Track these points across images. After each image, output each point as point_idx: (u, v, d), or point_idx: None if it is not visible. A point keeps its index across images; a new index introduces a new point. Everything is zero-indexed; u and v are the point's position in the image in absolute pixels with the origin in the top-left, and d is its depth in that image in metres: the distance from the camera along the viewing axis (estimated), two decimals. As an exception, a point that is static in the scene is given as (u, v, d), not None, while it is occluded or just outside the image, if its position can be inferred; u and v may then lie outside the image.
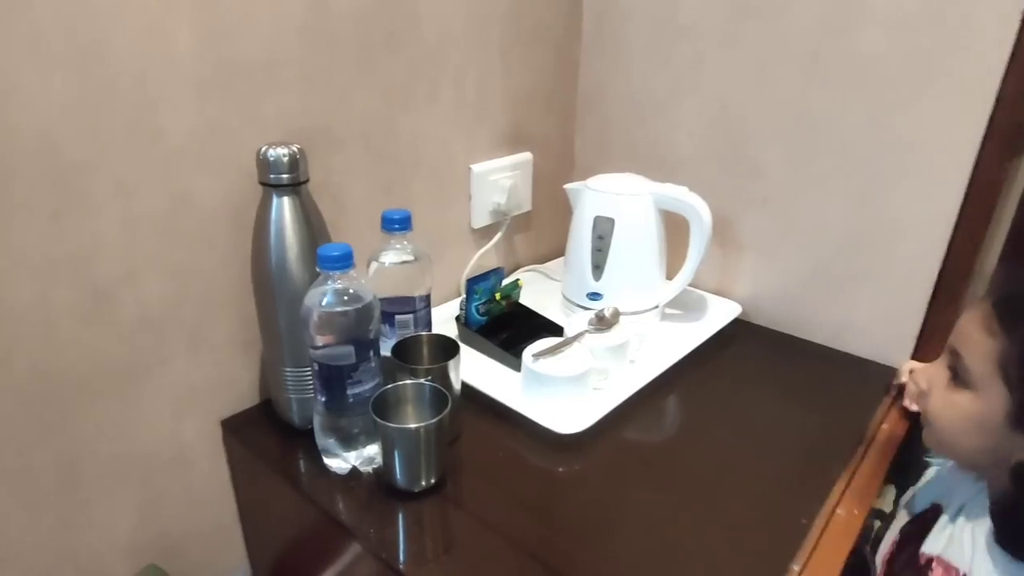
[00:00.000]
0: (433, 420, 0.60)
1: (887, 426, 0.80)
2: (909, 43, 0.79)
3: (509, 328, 0.91)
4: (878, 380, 0.87)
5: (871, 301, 0.91)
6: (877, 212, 0.87)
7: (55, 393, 0.62)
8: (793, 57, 0.88)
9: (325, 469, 0.68)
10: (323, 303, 0.60)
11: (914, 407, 0.78)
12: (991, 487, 0.59)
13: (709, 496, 0.67)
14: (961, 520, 0.60)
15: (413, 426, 0.61)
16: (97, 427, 0.65)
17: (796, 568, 0.58)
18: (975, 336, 0.55)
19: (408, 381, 0.66)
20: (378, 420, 0.60)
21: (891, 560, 0.67)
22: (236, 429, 0.75)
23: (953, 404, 0.57)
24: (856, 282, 0.91)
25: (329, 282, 0.61)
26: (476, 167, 0.97)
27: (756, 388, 0.87)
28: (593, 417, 0.73)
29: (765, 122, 0.93)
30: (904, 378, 0.83)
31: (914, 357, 0.89)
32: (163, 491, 0.72)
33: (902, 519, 0.70)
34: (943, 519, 0.63)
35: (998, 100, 0.75)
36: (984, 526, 0.57)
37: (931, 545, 0.61)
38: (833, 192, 0.89)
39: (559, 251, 1.07)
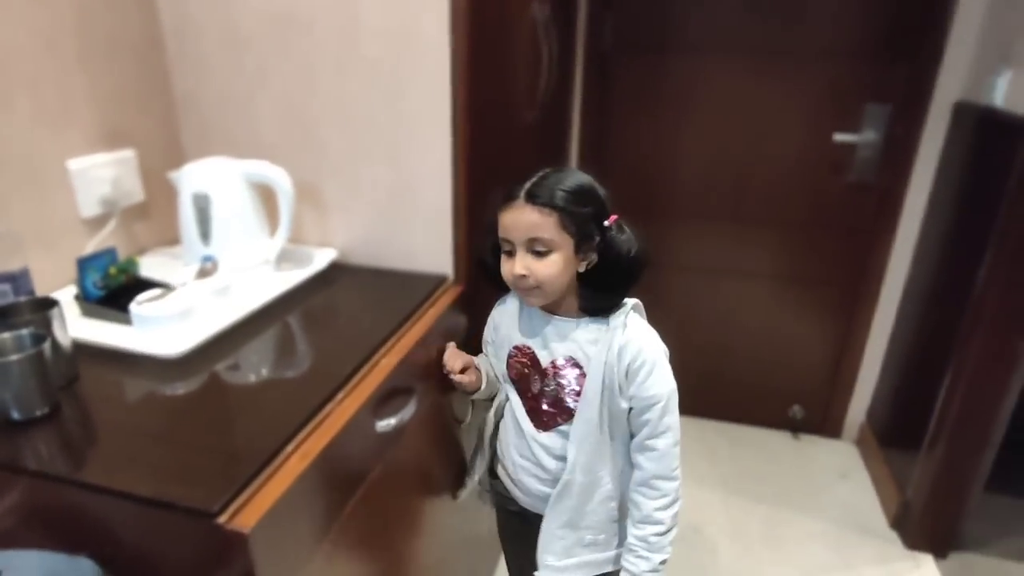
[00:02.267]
0: (31, 351, 0.75)
1: (433, 310, 1.16)
2: (396, 49, 1.14)
3: (130, 296, 1.06)
4: (431, 283, 1.23)
5: (421, 232, 1.27)
6: (408, 170, 1.23)
7: None
8: (328, 61, 1.18)
9: (-62, 428, 0.77)
10: (-100, 275, 0.71)
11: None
12: (570, 299, 0.95)
13: (287, 373, 0.94)
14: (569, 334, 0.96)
15: (13, 358, 0.75)
16: None
17: (340, 395, 0.87)
18: (540, 222, 0.87)
19: (7, 334, 0.79)
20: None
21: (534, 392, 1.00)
22: None
23: (548, 266, 0.89)
24: (408, 221, 1.26)
25: (-97, 257, 0.71)
26: (73, 164, 1.09)
27: (347, 304, 1.17)
28: (195, 341, 0.94)
29: (322, 111, 1.23)
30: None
31: (454, 263, 1.27)
32: None
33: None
34: (552, 340, 0.97)
35: (452, 84, 1.15)
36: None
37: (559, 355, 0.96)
38: (377, 158, 1.23)
39: (182, 233, 1.24)
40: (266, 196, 1.20)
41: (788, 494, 2.19)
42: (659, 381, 0.93)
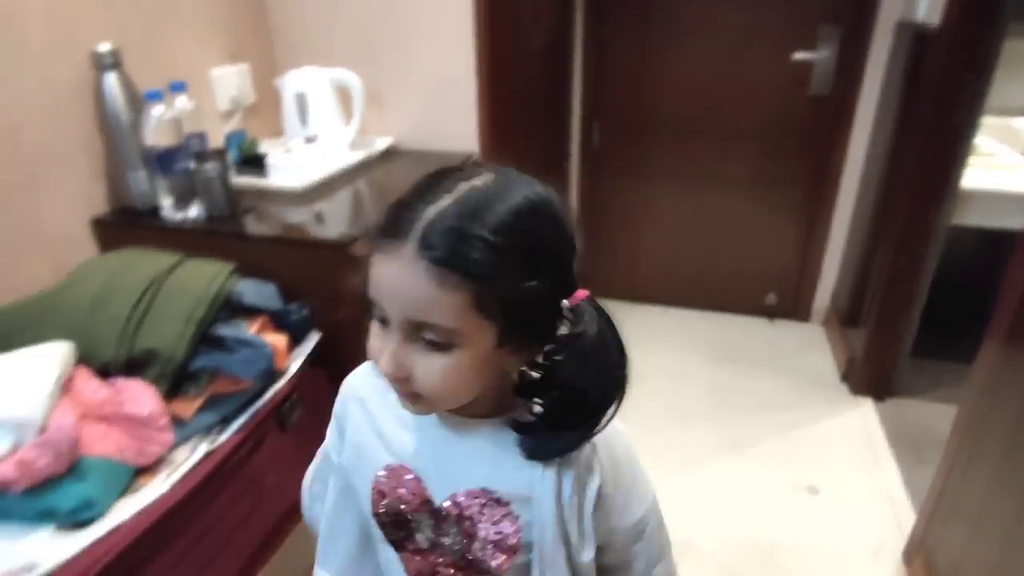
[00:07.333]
0: (222, 171, 1.24)
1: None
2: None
3: (257, 162, 1.54)
4: (462, 158, 1.70)
5: (454, 122, 1.72)
6: (444, 75, 1.68)
7: (-2, 190, 1.13)
8: (383, -7, 1.64)
9: (172, 221, 1.27)
10: (155, 120, 1.20)
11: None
12: (499, 411, 0.61)
13: (363, 202, 1.42)
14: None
15: (214, 174, 1.24)
16: (21, 215, 1.16)
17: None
18: (437, 299, 0.51)
19: (206, 164, 1.28)
20: (195, 172, 1.23)
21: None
22: (101, 222, 1.29)
23: (444, 367, 0.54)
24: (445, 113, 1.72)
25: (155, 108, 1.20)
26: (214, 72, 1.57)
27: (398, 171, 1.65)
28: (310, 180, 1.42)
29: (379, 36, 1.68)
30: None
31: (480, 143, 1.73)
32: (63, 262, 1.24)
33: None
34: (452, 460, 0.63)
35: (476, 11, 1.59)
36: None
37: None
38: (421, 68, 1.69)
39: (281, 127, 1.72)
40: (343, 97, 1.67)
41: (760, 361, 2.65)
42: (641, 490, 0.64)
